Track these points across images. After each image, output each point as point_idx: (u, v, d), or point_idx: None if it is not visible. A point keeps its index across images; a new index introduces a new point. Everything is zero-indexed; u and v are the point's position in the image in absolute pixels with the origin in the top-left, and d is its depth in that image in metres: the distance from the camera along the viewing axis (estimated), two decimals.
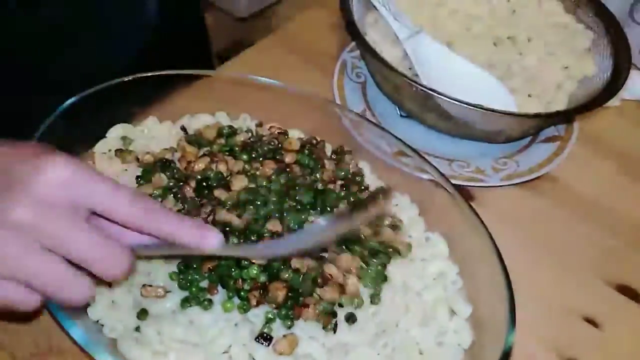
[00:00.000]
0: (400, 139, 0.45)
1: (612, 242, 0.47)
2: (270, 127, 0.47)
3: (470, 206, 0.40)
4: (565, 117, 0.46)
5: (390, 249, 0.39)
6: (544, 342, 0.40)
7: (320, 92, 0.53)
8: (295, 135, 0.47)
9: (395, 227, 0.41)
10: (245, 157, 0.44)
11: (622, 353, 0.41)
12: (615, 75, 0.46)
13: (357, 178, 0.44)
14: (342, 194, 0.42)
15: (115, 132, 0.45)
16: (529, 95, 0.48)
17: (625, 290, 0.44)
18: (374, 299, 0.37)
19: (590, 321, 0.42)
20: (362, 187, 0.43)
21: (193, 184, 0.41)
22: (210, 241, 0.30)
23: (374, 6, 0.50)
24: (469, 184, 0.48)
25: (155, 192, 0.41)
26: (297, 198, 0.40)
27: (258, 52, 0.60)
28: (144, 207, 0.28)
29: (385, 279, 0.38)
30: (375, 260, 0.38)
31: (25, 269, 0.26)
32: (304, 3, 0.66)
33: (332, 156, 0.46)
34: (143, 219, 0.28)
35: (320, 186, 0.42)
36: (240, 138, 0.46)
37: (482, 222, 0.39)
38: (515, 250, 0.44)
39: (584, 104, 0.44)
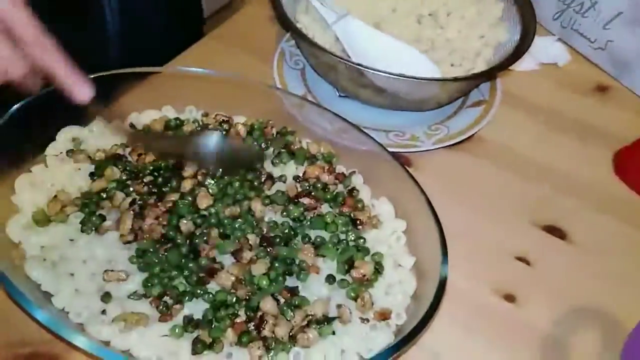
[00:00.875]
0: (339, 116, 0.49)
1: (539, 189, 0.52)
2: (216, 115, 0.50)
3: (406, 169, 0.44)
4: (482, 77, 0.50)
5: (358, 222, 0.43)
6: (482, 282, 0.45)
7: (262, 80, 0.56)
8: (240, 121, 0.50)
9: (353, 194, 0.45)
10: None
11: (554, 287, 0.45)
12: (522, 39, 0.50)
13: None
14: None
15: (65, 134, 0.47)
16: (452, 65, 0.53)
17: (553, 230, 0.49)
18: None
19: (523, 260, 0.47)
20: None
21: (146, 178, 0.44)
22: (82, 90, 0.37)
23: None
24: (405, 150, 0.51)
25: (110, 185, 0.43)
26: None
27: (201, 47, 0.62)
28: (44, 39, 0.36)
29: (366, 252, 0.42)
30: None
31: None
32: None
33: (277, 136, 0.49)
34: (38, 42, 0.35)
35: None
36: (187, 128, 0.49)
37: (416, 183, 0.43)
38: (452, 206, 0.48)
39: (497, 65, 0.49)
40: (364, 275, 0.40)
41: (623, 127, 0.57)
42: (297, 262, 0.40)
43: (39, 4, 0.53)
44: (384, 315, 0.38)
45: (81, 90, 0.38)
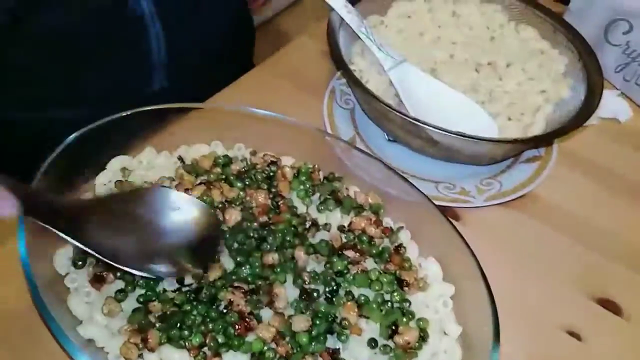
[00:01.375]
0: (388, 165, 0.47)
1: (593, 256, 0.49)
2: (264, 155, 0.49)
3: (455, 228, 0.42)
4: (542, 141, 0.48)
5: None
6: (529, 356, 0.42)
7: (311, 118, 0.55)
8: (288, 162, 0.49)
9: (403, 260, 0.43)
10: (239, 185, 0.46)
11: None
12: (588, 98, 0.48)
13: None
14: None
15: (115, 164, 0.47)
16: (509, 119, 0.51)
17: (606, 303, 0.47)
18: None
19: (574, 334, 0.44)
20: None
21: None
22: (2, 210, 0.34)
23: (359, 37, 0.52)
24: (455, 205, 0.50)
25: None
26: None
27: (252, 78, 0.62)
28: None
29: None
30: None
31: None
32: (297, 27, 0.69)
33: (324, 182, 0.48)
34: None
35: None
36: (235, 167, 0.48)
37: (466, 243, 0.41)
38: (501, 267, 0.47)
39: (559, 129, 0.47)
40: (409, 343, 0.38)
41: None
42: (339, 320, 0.39)
43: (86, 33, 0.54)
44: None
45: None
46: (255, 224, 0.44)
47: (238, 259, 0.41)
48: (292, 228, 0.44)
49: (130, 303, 0.38)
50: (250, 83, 0.61)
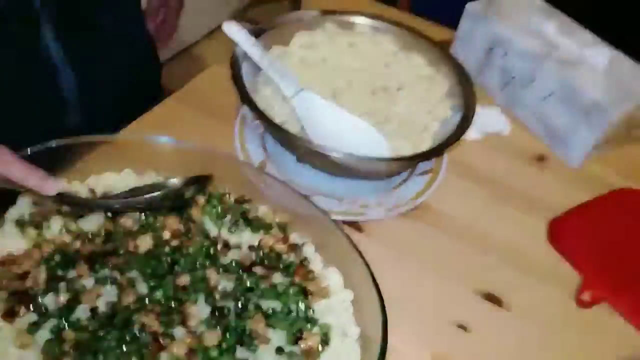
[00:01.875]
0: (292, 188, 0.51)
1: (480, 257, 0.56)
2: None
3: (350, 240, 0.47)
4: (428, 155, 0.54)
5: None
6: (421, 348, 0.48)
7: (223, 144, 0.58)
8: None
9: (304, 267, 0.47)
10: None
11: (487, 352, 0.48)
12: (465, 116, 0.55)
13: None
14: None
15: (26, 199, 0.48)
16: (403, 137, 0.57)
17: (492, 298, 0.53)
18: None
19: (462, 326, 0.50)
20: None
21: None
22: (49, 188, 0.44)
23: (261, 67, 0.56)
24: (357, 218, 0.55)
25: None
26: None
27: (164, 108, 0.64)
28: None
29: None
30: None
31: None
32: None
33: (234, 204, 0.52)
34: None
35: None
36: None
37: (360, 254, 0.46)
38: (399, 271, 0.52)
39: (442, 144, 0.53)
40: (311, 347, 0.42)
41: (558, 196, 0.62)
42: (247, 332, 0.42)
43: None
44: None
45: (48, 188, 0.44)
46: (167, 248, 0.46)
47: (151, 283, 0.44)
48: (204, 250, 0.47)
49: (44, 334, 0.40)
50: (162, 113, 0.63)
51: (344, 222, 0.55)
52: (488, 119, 0.69)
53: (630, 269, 0.55)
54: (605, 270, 0.55)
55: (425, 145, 0.56)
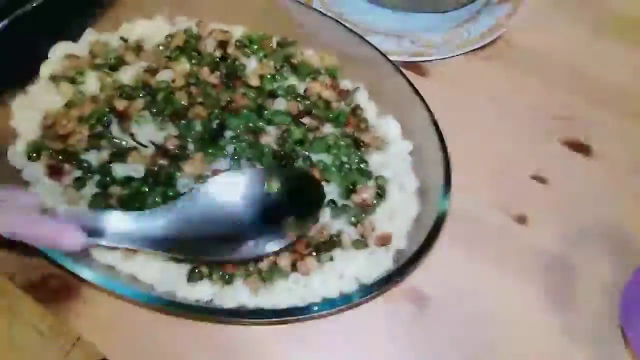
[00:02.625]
0: (343, 24, 0.44)
1: (569, 101, 0.47)
2: (211, 32, 0.46)
3: (411, 84, 0.40)
4: None
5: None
6: (494, 205, 0.43)
7: None
8: (238, 32, 0.46)
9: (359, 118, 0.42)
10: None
11: (569, 207, 0.42)
12: None
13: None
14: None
15: (58, 51, 0.45)
16: None
17: (576, 146, 0.46)
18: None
19: (539, 178, 0.44)
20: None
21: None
22: (67, 241, 0.31)
23: None
24: (418, 59, 0.47)
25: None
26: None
27: None
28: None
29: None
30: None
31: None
32: None
33: (277, 48, 0.46)
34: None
35: None
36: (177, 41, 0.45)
37: (423, 100, 0.40)
38: (468, 120, 0.46)
39: None
40: (365, 200, 0.39)
41: None
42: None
43: None
44: (384, 241, 0.38)
45: (67, 242, 0.31)
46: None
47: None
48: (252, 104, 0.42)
49: (90, 190, 0.39)
50: None
51: (404, 64, 0.47)
52: None
53: None
54: None
55: None
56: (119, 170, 0.39)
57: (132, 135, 0.41)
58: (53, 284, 0.38)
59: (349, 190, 0.39)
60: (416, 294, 0.38)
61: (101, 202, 0.38)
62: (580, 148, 0.45)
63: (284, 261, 0.36)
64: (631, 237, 0.41)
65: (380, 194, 0.39)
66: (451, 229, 0.38)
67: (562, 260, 0.40)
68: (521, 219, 0.42)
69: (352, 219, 0.39)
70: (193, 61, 0.44)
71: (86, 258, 0.36)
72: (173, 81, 0.43)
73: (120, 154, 0.40)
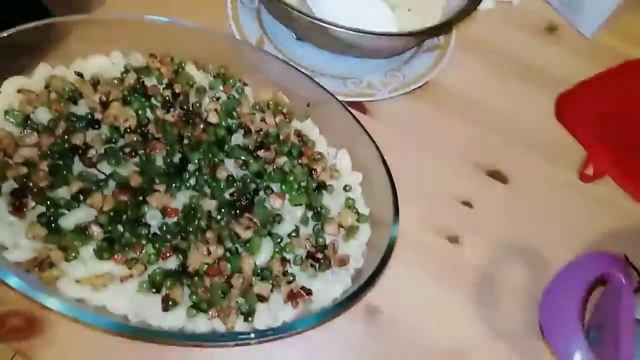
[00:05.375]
0: (293, 65, 0.48)
1: (488, 135, 0.55)
2: (162, 58, 0.48)
3: (358, 121, 0.45)
4: (440, 31, 0.50)
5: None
6: (430, 227, 0.48)
7: (215, 22, 0.53)
8: (191, 69, 0.49)
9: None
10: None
11: (492, 228, 0.49)
12: None
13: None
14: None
15: (9, 86, 0.45)
16: (409, 10, 0.52)
17: (496, 174, 0.53)
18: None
19: (467, 203, 0.51)
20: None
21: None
22: None
23: None
24: (362, 99, 0.52)
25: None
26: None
27: None
28: None
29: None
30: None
31: None
32: None
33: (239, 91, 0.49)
34: None
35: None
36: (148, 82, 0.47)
37: (369, 135, 0.45)
38: (406, 152, 0.51)
39: (453, 18, 0.49)
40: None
41: (568, 70, 0.60)
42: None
43: None
44: (342, 262, 0.42)
45: None
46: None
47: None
48: (215, 137, 0.45)
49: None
50: None
51: (348, 103, 0.52)
52: None
53: (634, 141, 0.54)
54: (608, 142, 0.54)
55: (434, 18, 0.52)
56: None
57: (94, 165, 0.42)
58: (14, 321, 0.37)
59: (316, 213, 0.43)
60: (370, 308, 0.43)
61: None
62: (500, 177, 0.53)
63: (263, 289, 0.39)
64: (543, 250, 0.48)
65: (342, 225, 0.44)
66: (396, 249, 0.43)
67: (488, 273, 0.47)
68: (453, 239, 0.48)
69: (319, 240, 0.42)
70: (146, 103, 0.46)
71: (55, 291, 0.36)
72: (126, 120, 0.45)
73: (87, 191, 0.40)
